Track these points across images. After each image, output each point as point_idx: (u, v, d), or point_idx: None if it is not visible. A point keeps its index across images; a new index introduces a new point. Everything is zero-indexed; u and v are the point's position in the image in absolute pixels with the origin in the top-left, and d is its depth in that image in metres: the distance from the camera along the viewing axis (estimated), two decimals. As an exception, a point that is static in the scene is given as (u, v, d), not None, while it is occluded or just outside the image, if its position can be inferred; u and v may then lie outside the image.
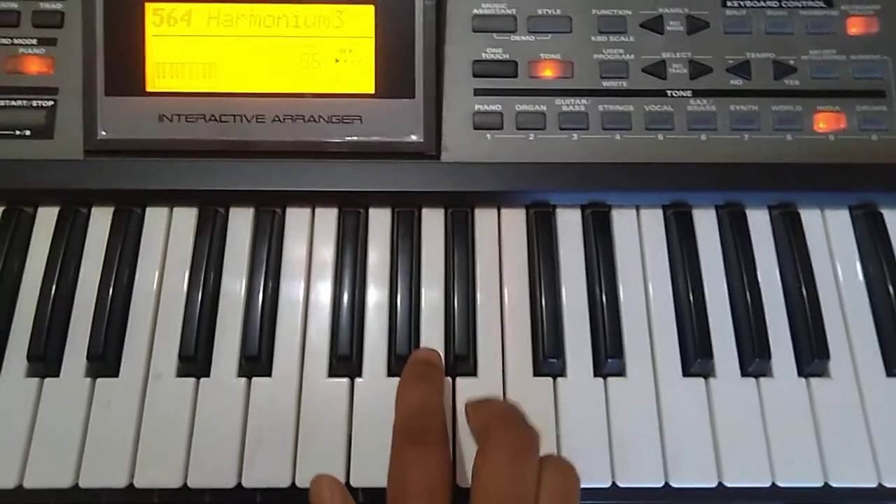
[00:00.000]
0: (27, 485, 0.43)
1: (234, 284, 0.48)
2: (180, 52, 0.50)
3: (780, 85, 0.52)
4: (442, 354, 0.46)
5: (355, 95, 0.50)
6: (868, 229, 0.50)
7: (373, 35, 0.50)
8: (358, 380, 0.46)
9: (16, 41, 0.51)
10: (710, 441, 0.45)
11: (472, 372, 0.47)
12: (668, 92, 0.51)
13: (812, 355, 0.46)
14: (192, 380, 0.46)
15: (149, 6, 0.49)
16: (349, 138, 0.50)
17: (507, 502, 0.35)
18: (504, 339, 0.47)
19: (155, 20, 0.50)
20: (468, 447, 0.43)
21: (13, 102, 0.50)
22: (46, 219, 0.50)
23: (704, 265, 0.49)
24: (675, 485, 0.44)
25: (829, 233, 0.50)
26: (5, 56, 0.51)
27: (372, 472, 0.44)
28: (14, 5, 0.51)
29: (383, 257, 0.49)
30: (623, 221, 0.51)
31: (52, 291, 0.47)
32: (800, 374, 0.47)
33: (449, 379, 0.46)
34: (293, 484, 0.44)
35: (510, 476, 0.36)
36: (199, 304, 0.47)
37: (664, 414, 0.45)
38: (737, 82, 0.51)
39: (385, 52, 0.50)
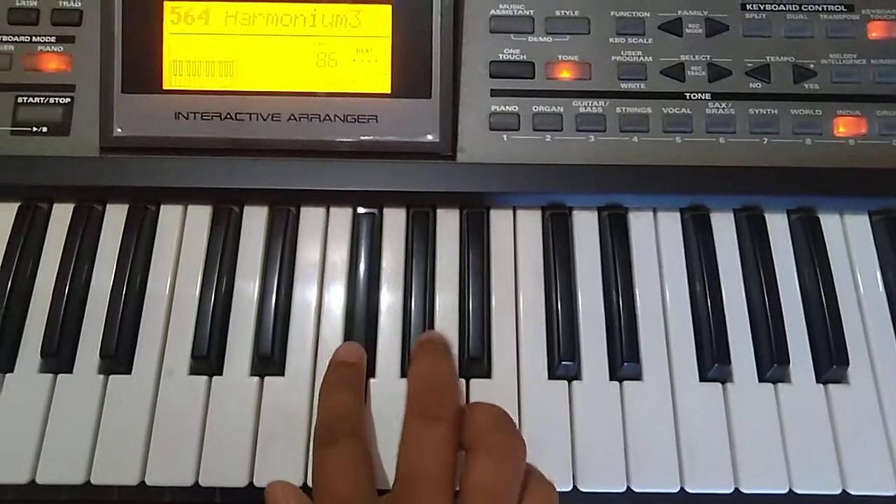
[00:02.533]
0: (40, 480, 0.43)
1: (247, 283, 0.48)
2: (197, 51, 0.50)
3: (800, 89, 0.51)
4: (456, 356, 0.46)
5: (371, 95, 0.49)
6: (888, 235, 0.49)
7: (390, 35, 0.50)
8: (371, 380, 0.46)
9: (34, 39, 0.51)
10: (726, 447, 0.44)
11: (487, 374, 0.46)
12: (687, 94, 0.51)
13: (831, 361, 0.46)
14: (204, 378, 0.46)
15: (167, 4, 0.50)
16: (365, 138, 0.49)
17: (419, 475, 0.36)
18: (519, 341, 0.47)
19: (173, 18, 0.50)
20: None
21: (31, 99, 0.50)
22: (61, 215, 0.50)
23: (722, 269, 0.48)
24: (690, 490, 0.43)
25: (849, 238, 0.50)
26: (24, 53, 0.51)
27: (384, 471, 0.43)
28: (33, 3, 0.51)
29: (398, 258, 0.49)
30: (640, 224, 0.50)
31: (67, 288, 0.47)
32: (818, 380, 0.46)
33: (463, 381, 0.46)
34: (305, 483, 0.43)
35: (497, 480, 0.36)
36: (212, 302, 0.47)
37: (680, 419, 0.45)
38: (756, 86, 0.51)
39: (402, 52, 0.49)
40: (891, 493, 0.44)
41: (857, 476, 0.44)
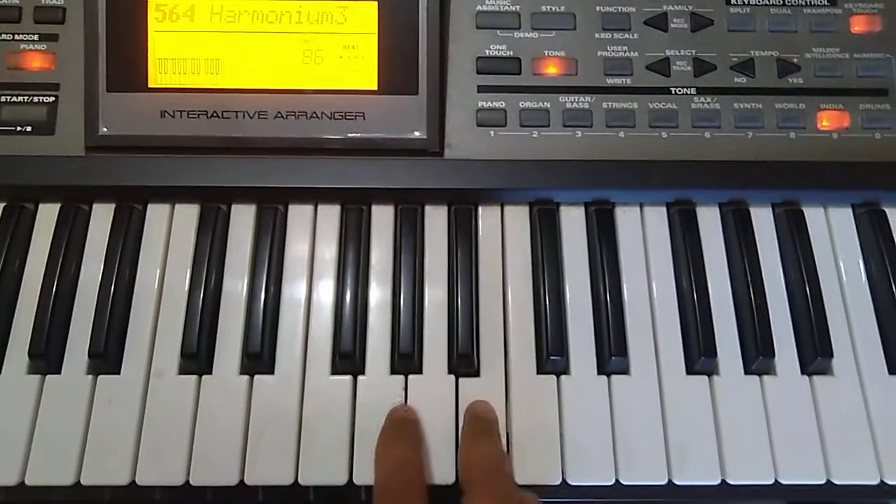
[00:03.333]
0: (29, 482, 0.43)
1: (235, 282, 0.48)
2: (183, 48, 0.50)
3: (784, 83, 0.51)
4: (445, 353, 0.47)
5: (358, 92, 0.49)
6: (871, 227, 0.50)
7: (376, 31, 0.49)
8: (361, 377, 0.46)
9: (17, 37, 0.51)
10: (713, 439, 0.45)
11: (476, 370, 0.46)
12: (672, 89, 0.51)
13: (815, 353, 0.46)
14: (194, 377, 0.46)
15: (152, 1, 0.49)
16: (352, 135, 0.49)
17: None
18: (507, 336, 0.47)
19: (157, 16, 0.49)
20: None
21: (15, 98, 0.50)
22: (48, 215, 0.50)
23: (708, 263, 0.49)
24: (678, 482, 0.44)
25: (833, 231, 0.51)
26: (7, 52, 0.50)
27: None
28: (16, 0, 0.51)
29: (386, 254, 0.49)
30: (627, 219, 0.50)
31: (54, 288, 0.47)
32: (803, 371, 0.47)
33: (452, 377, 0.46)
34: (296, 481, 0.43)
35: None
36: (200, 301, 0.47)
37: (668, 412, 0.45)
38: (741, 80, 0.51)
39: (388, 49, 0.49)
40: (874, 482, 0.44)
41: (841, 466, 0.44)
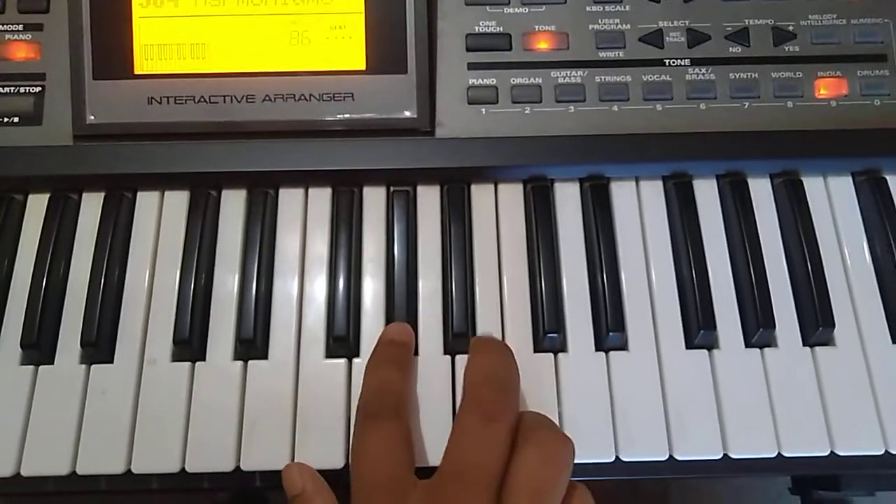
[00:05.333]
0: (25, 472, 0.43)
1: (227, 268, 0.48)
2: (168, 34, 0.49)
3: (780, 51, 0.51)
4: (440, 333, 0.46)
5: (346, 72, 0.49)
6: (871, 195, 0.49)
7: (363, 10, 0.49)
8: (356, 360, 0.46)
9: (2, 27, 0.50)
10: (714, 413, 0.44)
11: (473, 349, 0.46)
12: (666, 61, 0.50)
13: (816, 324, 0.45)
14: (187, 364, 0.45)
15: (134, -14, 0.49)
16: (341, 116, 0.49)
17: (469, 469, 0.36)
18: (503, 315, 0.47)
19: (142, 1, 0.49)
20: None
21: (1, 90, 0.50)
22: (37, 206, 0.49)
23: (706, 235, 0.48)
24: (679, 458, 0.43)
25: (832, 199, 0.50)
26: (-9, 42, 0.50)
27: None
28: (-1, -9, 0.50)
29: (379, 236, 0.49)
30: (622, 193, 0.50)
31: (45, 278, 0.47)
32: (804, 343, 0.46)
33: (449, 357, 0.46)
34: (292, 465, 0.43)
35: (474, 443, 0.37)
36: (192, 287, 0.47)
37: (667, 387, 0.45)
38: (736, 50, 0.50)
39: (376, 28, 0.49)
40: (878, 453, 0.44)
41: (845, 437, 0.44)
